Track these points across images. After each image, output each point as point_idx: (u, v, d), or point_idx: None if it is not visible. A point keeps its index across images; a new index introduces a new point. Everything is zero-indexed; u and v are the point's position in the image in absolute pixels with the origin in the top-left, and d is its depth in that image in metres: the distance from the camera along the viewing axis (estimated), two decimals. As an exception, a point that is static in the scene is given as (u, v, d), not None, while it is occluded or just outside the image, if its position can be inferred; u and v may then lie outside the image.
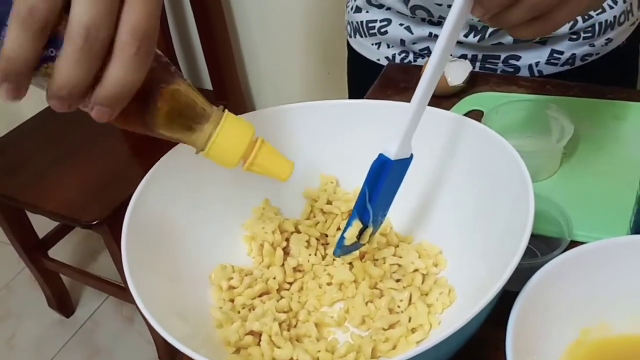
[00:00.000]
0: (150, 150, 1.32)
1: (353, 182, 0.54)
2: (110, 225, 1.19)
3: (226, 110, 0.39)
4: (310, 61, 1.49)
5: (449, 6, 0.66)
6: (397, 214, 0.51)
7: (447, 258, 0.49)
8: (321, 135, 0.54)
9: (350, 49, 0.85)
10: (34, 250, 1.47)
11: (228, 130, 0.38)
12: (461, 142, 0.48)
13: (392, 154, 0.43)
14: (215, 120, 0.38)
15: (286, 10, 1.39)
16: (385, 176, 0.44)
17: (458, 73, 0.68)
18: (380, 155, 0.43)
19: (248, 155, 0.40)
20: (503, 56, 0.73)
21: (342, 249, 0.47)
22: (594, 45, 0.71)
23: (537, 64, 0.72)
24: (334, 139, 0.54)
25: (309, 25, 1.41)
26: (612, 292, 0.42)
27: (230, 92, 1.46)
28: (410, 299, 0.47)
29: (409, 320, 0.46)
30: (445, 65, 0.67)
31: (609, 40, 0.72)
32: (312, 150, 0.54)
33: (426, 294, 0.47)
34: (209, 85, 1.46)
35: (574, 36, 0.70)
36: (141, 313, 0.37)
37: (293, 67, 1.51)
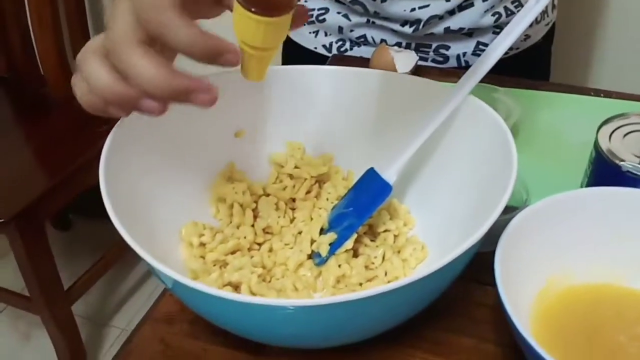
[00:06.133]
0: (53, 155, 1.25)
1: (319, 149, 0.55)
2: (17, 225, 1.11)
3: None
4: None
5: (382, 0, 0.70)
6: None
7: (416, 217, 0.51)
8: (284, 102, 0.54)
9: (286, 38, 0.87)
10: None
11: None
12: (434, 106, 0.50)
13: (392, 180, 0.48)
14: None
15: None
16: (381, 201, 0.48)
17: (405, 62, 0.71)
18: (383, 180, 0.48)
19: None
20: (434, 45, 0.77)
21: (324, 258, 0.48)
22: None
23: (464, 54, 0.77)
24: (296, 105, 0.54)
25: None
26: (574, 242, 0.45)
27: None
28: (384, 257, 0.48)
29: (385, 274, 0.46)
30: (395, 54, 0.70)
31: (528, 36, 0.79)
32: (276, 117, 0.54)
33: (399, 251, 0.48)
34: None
35: (498, 30, 0.76)
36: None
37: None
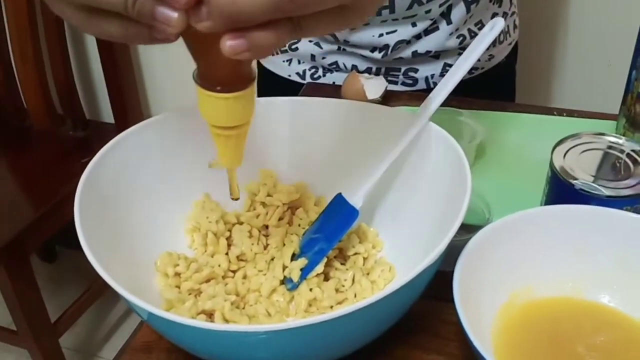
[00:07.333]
0: (37, 187, 1.26)
1: (292, 177, 0.56)
2: (3, 258, 1.11)
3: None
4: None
5: (351, 28, 0.73)
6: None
7: (384, 239, 0.53)
8: (257, 132, 0.55)
9: (260, 67, 0.89)
10: None
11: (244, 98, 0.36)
12: (397, 132, 0.52)
13: (359, 205, 0.50)
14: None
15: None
16: (349, 225, 0.50)
17: (375, 88, 0.73)
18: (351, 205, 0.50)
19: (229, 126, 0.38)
20: (403, 69, 0.80)
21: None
22: (479, 60, 0.80)
23: (432, 76, 0.80)
24: (268, 135, 0.56)
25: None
26: (534, 258, 0.47)
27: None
28: (353, 279, 0.49)
29: (355, 296, 0.48)
30: (365, 81, 0.73)
31: (492, 56, 0.82)
32: (248, 146, 0.55)
33: (368, 273, 0.50)
34: (110, 118, 1.44)
35: (463, 51, 0.79)
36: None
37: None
